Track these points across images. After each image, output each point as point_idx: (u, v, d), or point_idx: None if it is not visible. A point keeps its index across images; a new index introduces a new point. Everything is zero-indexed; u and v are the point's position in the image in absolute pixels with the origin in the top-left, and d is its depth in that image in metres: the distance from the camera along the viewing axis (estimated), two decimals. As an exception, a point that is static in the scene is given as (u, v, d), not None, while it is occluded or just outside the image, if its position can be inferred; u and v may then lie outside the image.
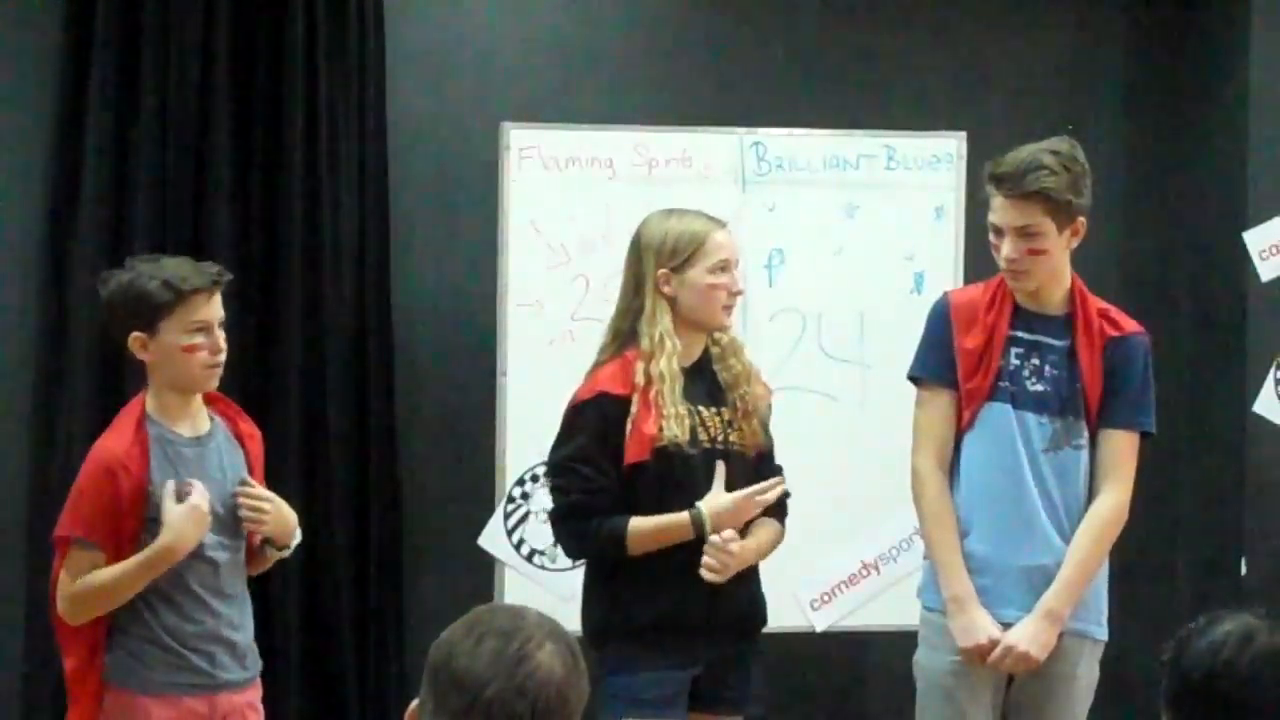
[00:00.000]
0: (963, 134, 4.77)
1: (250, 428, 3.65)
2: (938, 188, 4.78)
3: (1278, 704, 2.26)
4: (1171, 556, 5.24)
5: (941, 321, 3.66)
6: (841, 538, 4.67)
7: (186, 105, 4.67)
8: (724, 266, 3.61)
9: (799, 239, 4.77)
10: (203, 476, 3.44)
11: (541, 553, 4.60)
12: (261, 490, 3.53)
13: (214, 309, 3.46)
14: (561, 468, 3.62)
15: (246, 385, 4.67)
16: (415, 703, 2.05)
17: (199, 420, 3.52)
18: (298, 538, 3.64)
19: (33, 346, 4.70)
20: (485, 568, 4.67)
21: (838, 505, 4.58)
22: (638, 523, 3.54)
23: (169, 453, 3.43)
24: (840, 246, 4.78)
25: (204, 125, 4.69)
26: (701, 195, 4.25)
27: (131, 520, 3.37)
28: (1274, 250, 4.98)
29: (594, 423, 3.57)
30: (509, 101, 4.91)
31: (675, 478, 3.56)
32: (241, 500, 3.49)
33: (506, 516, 4.65)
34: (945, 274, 4.64)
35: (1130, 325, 3.66)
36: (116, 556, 3.37)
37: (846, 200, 4.80)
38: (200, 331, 3.42)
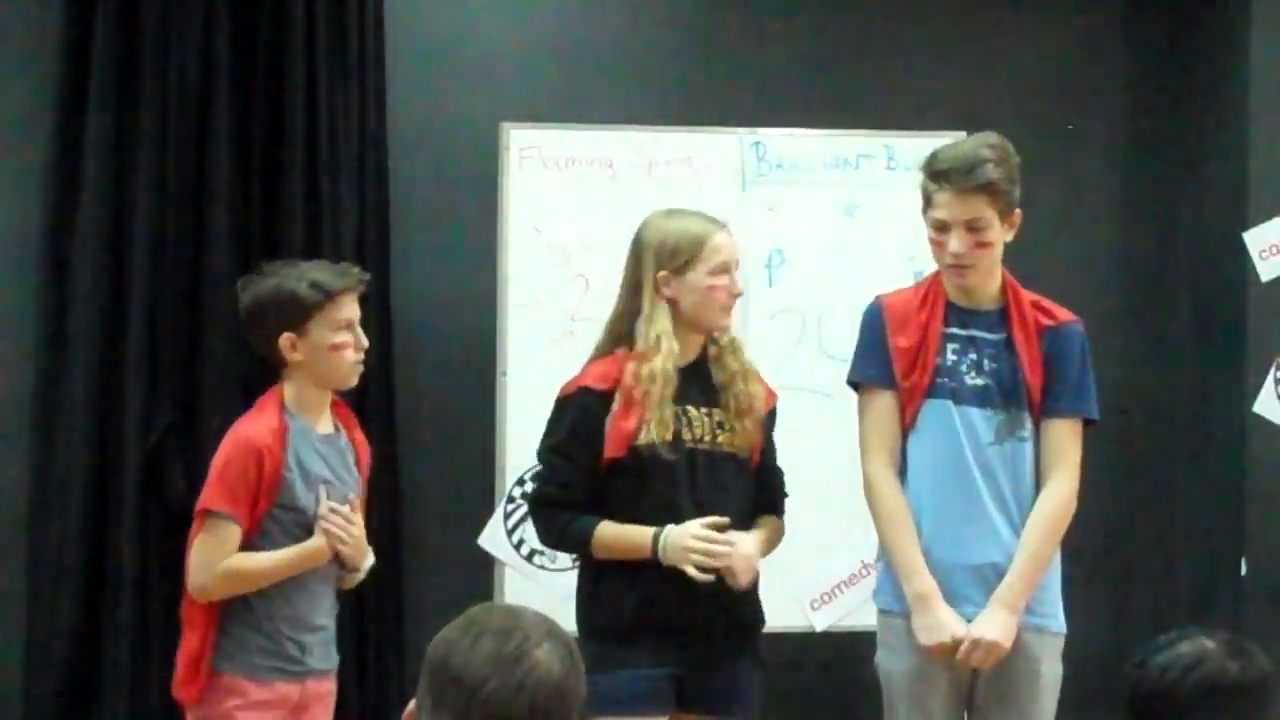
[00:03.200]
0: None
1: (360, 435, 3.81)
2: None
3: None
4: (1171, 556, 5.24)
5: (875, 324, 3.69)
6: (842, 537, 4.66)
7: (186, 105, 4.67)
8: (724, 269, 3.62)
9: (799, 239, 4.77)
10: (329, 474, 3.62)
11: (541, 553, 4.60)
12: (355, 516, 3.64)
13: (356, 308, 3.65)
14: (540, 459, 3.71)
15: (247, 386, 4.67)
16: (414, 702, 2.06)
17: (327, 422, 3.69)
18: (369, 560, 3.74)
19: (33, 346, 4.70)
20: (485, 568, 4.67)
21: (838, 505, 4.55)
22: (604, 529, 3.58)
23: (306, 444, 3.59)
24: (840, 246, 4.79)
25: (204, 125, 4.69)
26: (701, 195, 4.25)
27: (265, 502, 3.52)
28: (1274, 250, 4.98)
29: (573, 416, 3.62)
30: (509, 101, 4.92)
31: (651, 476, 3.57)
32: (333, 519, 3.60)
33: (506, 516, 4.66)
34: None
35: (1064, 314, 3.68)
36: (245, 536, 3.52)
37: (846, 200, 4.80)
38: (346, 329, 3.61)
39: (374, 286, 4.76)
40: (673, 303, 3.62)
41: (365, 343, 3.67)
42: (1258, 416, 4.97)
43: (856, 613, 4.72)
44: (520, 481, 4.63)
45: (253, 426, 3.58)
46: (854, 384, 3.74)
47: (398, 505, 4.85)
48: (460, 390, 4.91)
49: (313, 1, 4.75)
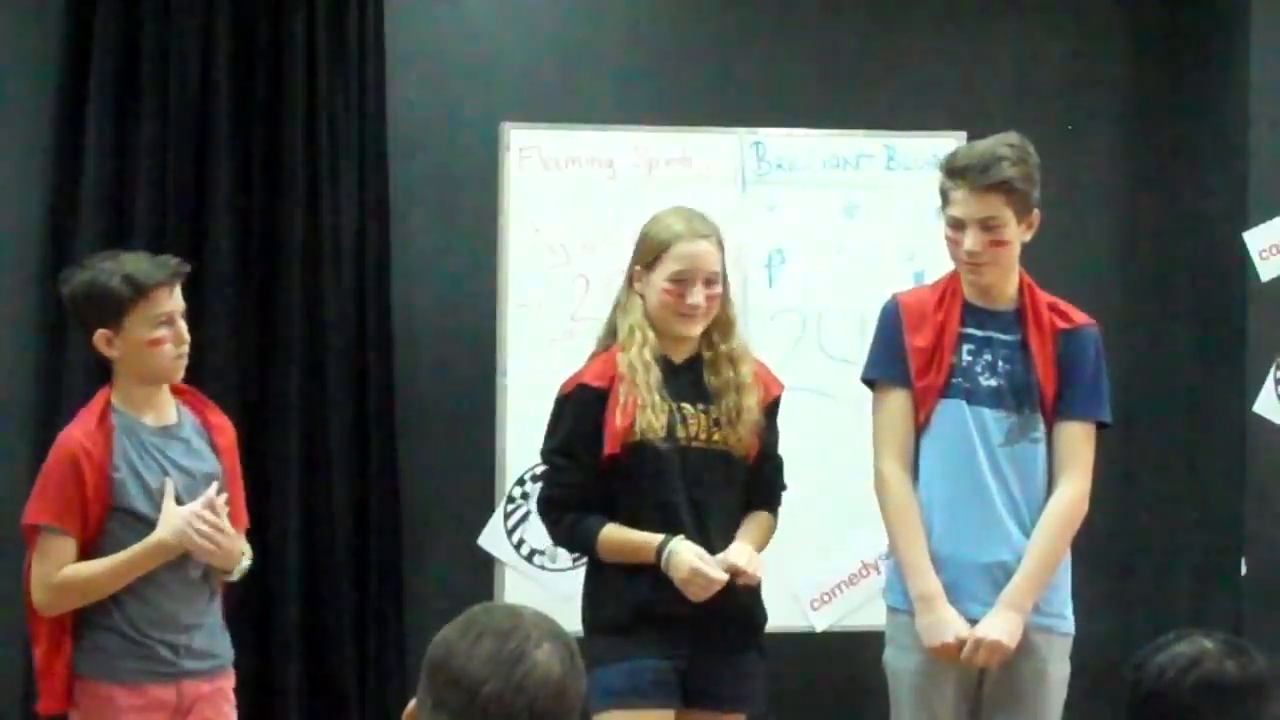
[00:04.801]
0: (963, 134, 4.76)
1: (219, 419, 3.66)
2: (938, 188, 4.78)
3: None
4: (1171, 556, 5.24)
5: (892, 322, 3.68)
6: (842, 537, 4.67)
7: (186, 105, 4.68)
8: (680, 278, 3.58)
9: (799, 239, 4.77)
10: (169, 465, 3.48)
11: (541, 553, 4.60)
12: (223, 524, 3.47)
13: (176, 300, 3.49)
14: (544, 459, 3.70)
15: (246, 385, 4.68)
16: (414, 701, 2.05)
17: (165, 411, 3.55)
18: (244, 564, 3.57)
19: (33, 346, 4.70)
20: (485, 568, 4.67)
21: (838, 505, 4.57)
22: (609, 532, 3.58)
23: (133, 441, 3.46)
24: (840, 246, 4.79)
25: (204, 125, 4.69)
26: (701, 195, 4.24)
27: (97, 507, 3.39)
28: (1274, 250, 4.98)
29: (572, 415, 3.62)
30: (509, 101, 4.92)
31: (647, 471, 3.57)
32: (201, 528, 3.43)
33: (506, 516, 4.66)
34: (945, 273, 4.63)
35: (1080, 317, 3.68)
36: (84, 545, 3.40)
37: (846, 200, 4.80)
38: (164, 324, 3.46)
39: (374, 286, 4.81)
40: (643, 298, 3.63)
41: (187, 336, 3.51)
42: (1258, 416, 4.97)
43: (856, 613, 4.73)
44: (520, 481, 4.63)
45: (70, 433, 3.45)
46: (869, 381, 3.73)
47: (398, 505, 4.85)
48: (460, 390, 4.91)
49: (313, 1, 4.75)
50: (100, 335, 3.45)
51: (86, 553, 3.41)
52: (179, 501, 3.45)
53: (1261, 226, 4.99)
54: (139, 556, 3.40)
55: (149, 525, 3.42)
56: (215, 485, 3.51)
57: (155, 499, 3.44)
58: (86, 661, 3.43)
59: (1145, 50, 5.33)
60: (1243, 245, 4.98)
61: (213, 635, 3.57)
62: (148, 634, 3.44)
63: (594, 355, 3.71)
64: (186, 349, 3.52)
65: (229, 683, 3.62)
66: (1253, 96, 5.00)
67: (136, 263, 3.49)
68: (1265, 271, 4.98)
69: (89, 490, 3.38)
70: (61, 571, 3.38)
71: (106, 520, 3.41)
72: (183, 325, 3.50)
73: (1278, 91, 5.01)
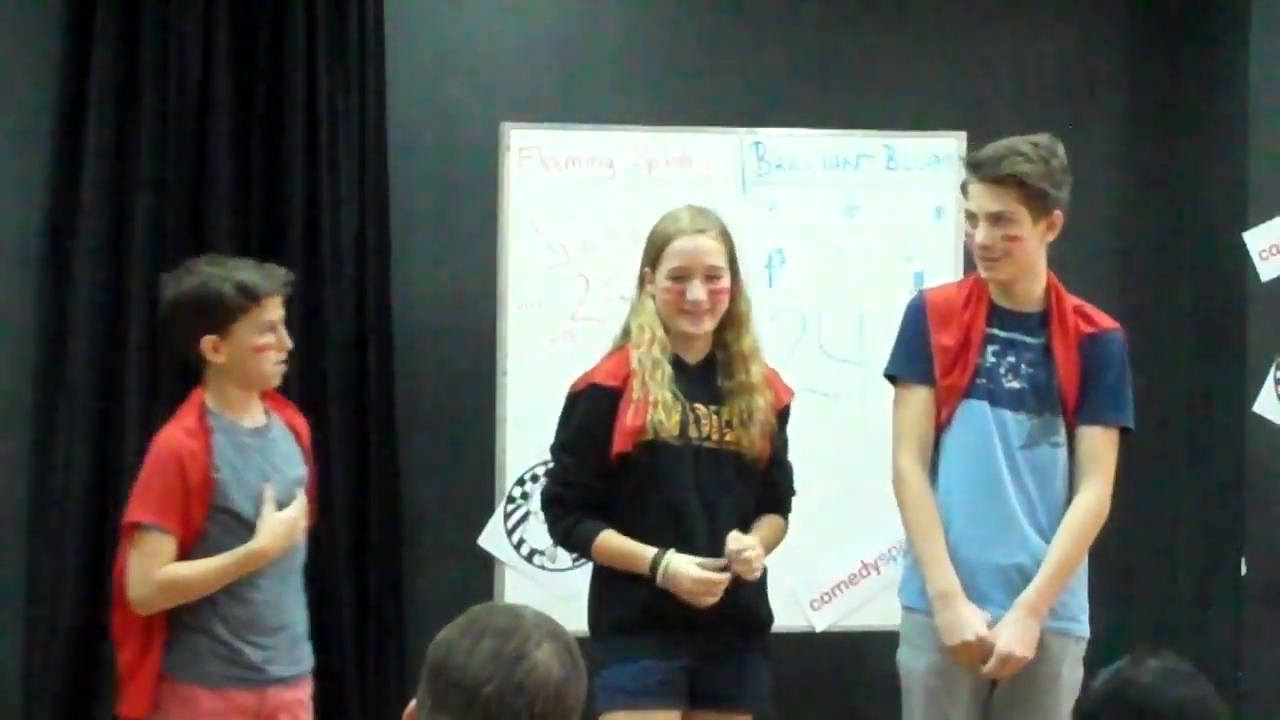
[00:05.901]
0: (963, 134, 4.77)
1: (300, 419, 3.75)
2: (938, 188, 4.78)
3: (1178, 705, 2.22)
4: (1171, 556, 5.24)
5: (918, 319, 3.67)
6: (842, 537, 4.67)
7: (186, 105, 4.67)
8: (680, 274, 3.58)
9: (799, 239, 4.77)
10: (266, 467, 3.54)
11: (541, 553, 4.61)
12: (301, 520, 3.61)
13: (280, 310, 3.58)
14: (551, 455, 3.71)
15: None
16: (414, 702, 2.05)
17: (257, 413, 3.62)
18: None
19: (33, 346, 4.70)
20: (485, 568, 4.67)
21: (838, 505, 4.58)
22: (606, 538, 3.58)
23: (232, 443, 3.51)
24: (840, 246, 4.79)
25: (204, 125, 4.69)
26: (701, 195, 4.24)
27: (200, 508, 3.44)
28: (1274, 250, 4.98)
29: (582, 413, 3.62)
30: (509, 101, 4.91)
31: (658, 469, 3.57)
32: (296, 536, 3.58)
33: (506, 516, 4.66)
34: (945, 274, 4.63)
35: (1106, 322, 3.66)
36: (182, 544, 3.43)
37: (846, 200, 4.80)
38: (270, 331, 3.54)
39: (374, 286, 4.81)
40: (654, 299, 3.63)
41: (289, 344, 3.59)
42: (1258, 416, 4.97)
43: (856, 613, 4.73)
44: (520, 481, 4.63)
45: (172, 433, 3.49)
46: (891, 377, 3.72)
47: (398, 505, 4.85)
48: (460, 390, 4.91)
49: (312, 1, 4.75)
50: (208, 340, 3.50)
51: (182, 553, 3.44)
52: (277, 506, 3.51)
53: (1261, 226, 4.99)
54: (239, 561, 3.46)
55: (246, 527, 3.48)
56: (301, 493, 3.59)
57: (255, 501, 3.49)
58: (172, 661, 3.46)
59: (1145, 50, 5.33)
60: (1243, 245, 4.98)
61: (298, 641, 3.62)
62: (240, 635, 3.48)
63: (607, 355, 3.70)
64: (285, 356, 3.60)
65: (308, 690, 3.66)
66: (1253, 96, 5.00)
67: (245, 270, 3.56)
68: (1265, 271, 4.98)
69: (193, 490, 3.43)
70: (164, 570, 3.42)
71: (206, 523, 3.45)
72: (284, 332, 3.58)
73: (1278, 91, 5.01)
